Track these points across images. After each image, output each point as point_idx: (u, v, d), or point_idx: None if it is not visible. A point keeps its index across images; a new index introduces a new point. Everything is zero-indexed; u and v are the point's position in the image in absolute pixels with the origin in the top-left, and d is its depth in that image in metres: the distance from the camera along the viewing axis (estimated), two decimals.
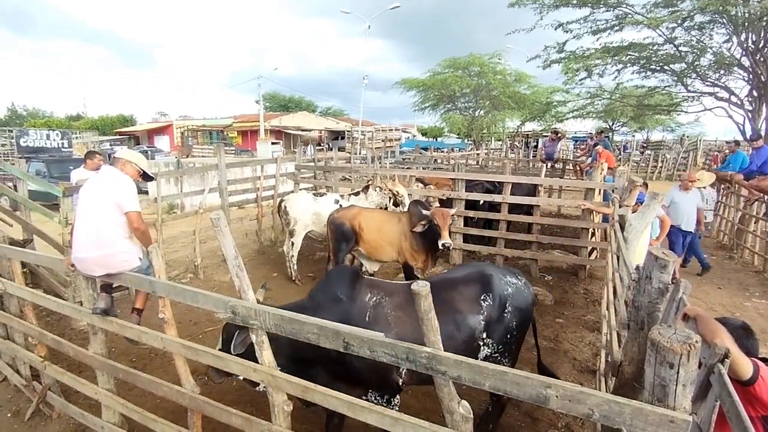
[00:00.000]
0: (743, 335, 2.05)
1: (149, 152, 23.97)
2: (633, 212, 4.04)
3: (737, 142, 10.21)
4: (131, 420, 3.10)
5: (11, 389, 4.06)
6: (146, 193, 13.72)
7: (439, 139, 43.22)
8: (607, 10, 12.47)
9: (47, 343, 3.52)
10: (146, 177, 3.39)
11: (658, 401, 1.37)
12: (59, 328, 5.07)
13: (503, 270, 3.23)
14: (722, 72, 12.02)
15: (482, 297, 2.95)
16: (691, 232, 6.65)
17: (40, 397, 3.64)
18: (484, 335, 2.93)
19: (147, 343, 2.96)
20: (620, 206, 4.62)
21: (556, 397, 1.51)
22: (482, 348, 2.95)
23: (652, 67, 13.16)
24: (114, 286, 3.09)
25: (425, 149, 22.79)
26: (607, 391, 2.74)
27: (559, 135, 14.05)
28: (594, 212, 6.89)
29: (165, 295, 2.74)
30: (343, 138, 37.02)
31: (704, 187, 7.37)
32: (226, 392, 3.90)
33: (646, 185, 5.43)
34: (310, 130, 37.44)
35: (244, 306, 2.29)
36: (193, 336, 4.87)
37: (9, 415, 3.76)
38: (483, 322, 2.91)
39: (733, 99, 12.01)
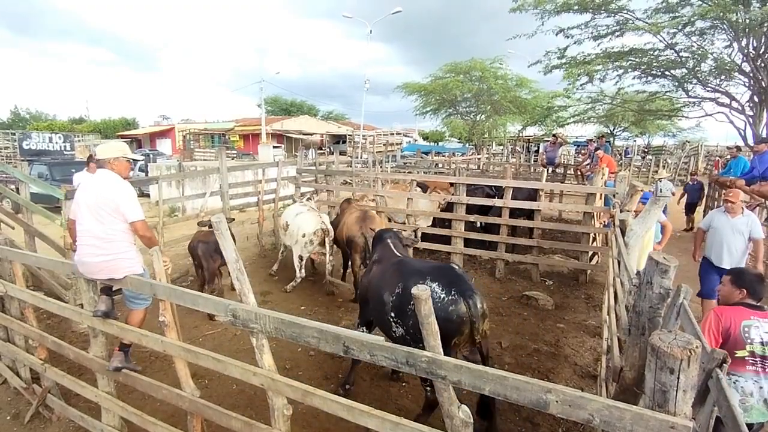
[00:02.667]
0: (757, 282, 2.89)
1: (151, 155, 23.99)
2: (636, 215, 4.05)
3: (738, 148, 10.23)
4: (131, 423, 3.10)
5: (11, 392, 4.06)
6: (148, 196, 13.78)
7: (440, 144, 43.29)
8: (608, 16, 12.50)
9: (48, 346, 3.52)
10: (136, 160, 3.39)
11: (658, 407, 1.36)
12: (60, 330, 5.07)
13: (445, 276, 3.24)
14: (723, 77, 12.02)
15: (398, 284, 3.34)
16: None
17: (39, 400, 3.64)
18: (393, 315, 3.31)
19: (147, 346, 2.96)
20: (621, 211, 4.62)
21: (556, 402, 1.51)
22: (393, 325, 3.33)
23: (653, 72, 13.18)
24: (114, 289, 3.09)
25: (426, 153, 22.85)
26: (608, 397, 2.73)
27: (559, 141, 14.08)
28: (595, 216, 6.90)
29: (166, 298, 2.74)
30: (344, 142, 37.10)
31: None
32: (226, 396, 3.89)
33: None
34: (311, 134, 37.52)
35: (245, 309, 2.29)
36: (194, 339, 4.86)
37: (9, 417, 3.76)
38: (391, 304, 3.33)
39: (734, 104, 12.01)
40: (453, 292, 3.09)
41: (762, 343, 2.67)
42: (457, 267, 3.51)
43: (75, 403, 3.65)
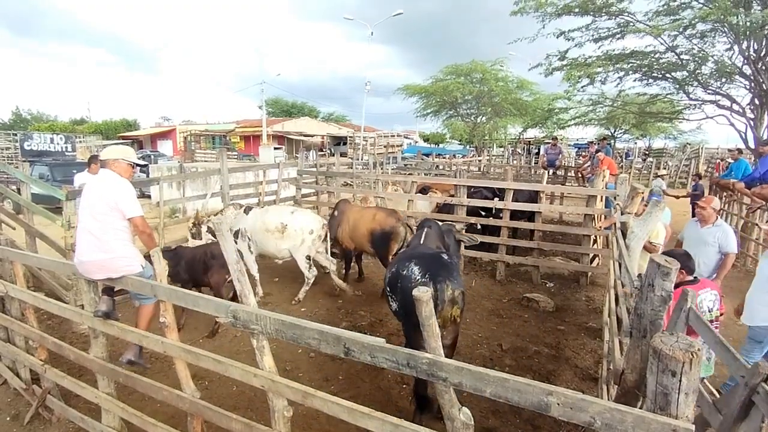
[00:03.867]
0: (686, 258, 3.31)
1: (152, 156, 24.02)
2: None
3: (740, 150, 10.21)
4: (131, 424, 3.09)
5: (11, 392, 4.06)
6: (149, 197, 13.78)
7: (440, 145, 43.33)
8: (608, 19, 12.51)
9: (48, 347, 3.51)
10: (138, 165, 3.41)
11: (660, 409, 1.36)
12: (60, 331, 5.06)
13: (428, 261, 3.54)
14: (724, 80, 12.01)
15: (394, 265, 3.84)
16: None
17: (39, 401, 3.63)
18: (388, 290, 3.78)
19: (147, 347, 2.95)
20: (622, 213, 4.62)
21: (558, 404, 1.50)
22: (390, 300, 3.78)
23: (654, 74, 13.17)
24: (116, 289, 3.09)
25: (427, 155, 22.86)
26: (609, 399, 2.72)
27: (556, 141, 14.12)
28: (596, 219, 6.88)
29: (166, 299, 2.74)
30: (345, 143, 37.13)
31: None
32: (227, 397, 3.89)
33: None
34: (312, 136, 37.59)
35: (245, 311, 2.29)
36: (194, 340, 4.86)
37: (8, 418, 3.75)
38: (387, 281, 3.84)
39: (735, 107, 12.00)
40: (426, 276, 3.35)
41: (710, 311, 3.26)
42: (445, 257, 3.66)
43: (75, 404, 3.64)
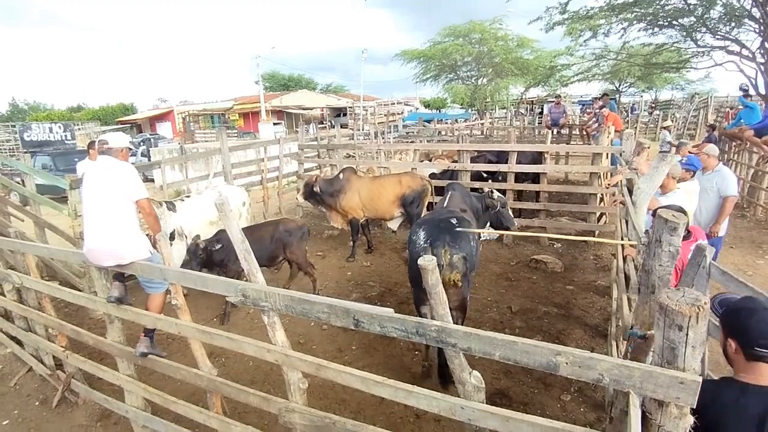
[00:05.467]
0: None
1: (152, 140, 23.90)
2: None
3: (746, 93, 9.68)
4: (154, 403, 3.20)
5: (37, 379, 4.21)
6: (152, 180, 13.81)
7: (442, 111, 42.61)
8: None
9: (67, 333, 3.60)
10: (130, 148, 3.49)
11: (668, 363, 1.37)
12: (78, 318, 5.19)
13: (434, 227, 3.64)
14: (733, 24, 11.58)
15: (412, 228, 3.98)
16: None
17: (65, 385, 3.77)
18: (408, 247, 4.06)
19: (163, 329, 3.02)
20: (629, 169, 4.54)
21: (566, 363, 1.52)
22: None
23: (660, 23, 12.71)
24: (126, 275, 3.13)
25: (428, 122, 22.49)
26: (618, 355, 2.76)
27: (559, 100, 13.81)
28: (602, 176, 6.80)
29: (176, 281, 2.78)
30: (345, 115, 36.58)
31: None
32: (243, 372, 4.00)
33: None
34: (311, 109, 37.06)
35: (254, 288, 2.31)
36: (208, 320, 4.96)
37: (37, 403, 3.90)
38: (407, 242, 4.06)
39: (745, 52, 11.61)
40: (428, 241, 3.50)
41: None
42: (454, 221, 3.71)
43: (99, 386, 3.77)
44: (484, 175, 7.57)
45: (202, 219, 5.64)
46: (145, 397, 3.22)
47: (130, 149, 3.42)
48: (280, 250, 5.29)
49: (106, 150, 3.18)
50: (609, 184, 6.70)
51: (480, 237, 4.70)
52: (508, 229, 5.20)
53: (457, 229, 3.58)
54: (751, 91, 11.41)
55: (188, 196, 6.11)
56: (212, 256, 4.91)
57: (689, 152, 5.62)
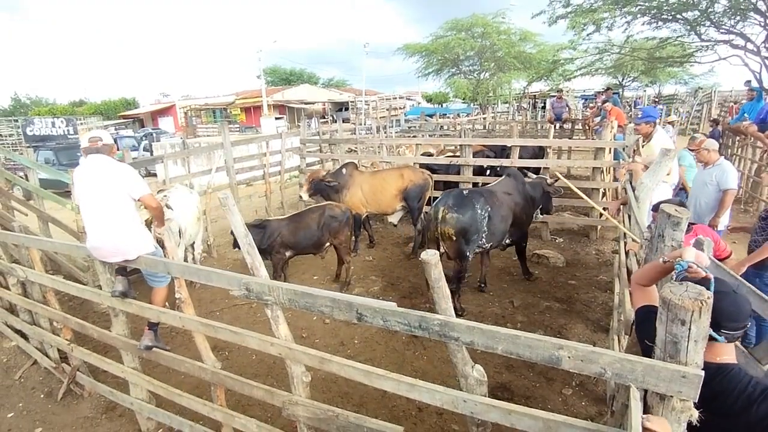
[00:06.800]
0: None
1: (154, 134, 23.87)
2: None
3: (751, 87, 9.65)
4: (158, 396, 3.23)
5: (42, 371, 4.24)
6: (155, 175, 13.83)
7: (444, 105, 42.45)
8: None
9: (72, 327, 3.63)
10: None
11: (670, 357, 1.37)
12: (82, 311, 5.22)
13: (445, 196, 4.72)
14: (737, 18, 11.49)
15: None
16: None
17: (70, 378, 3.80)
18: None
19: (167, 323, 3.04)
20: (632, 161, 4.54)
21: (569, 357, 1.53)
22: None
23: (664, 16, 12.62)
24: (129, 269, 3.15)
25: (430, 116, 22.41)
26: (621, 350, 2.77)
27: (561, 94, 13.75)
28: (604, 171, 6.78)
29: (180, 275, 2.79)
30: (347, 109, 36.47)
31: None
32: (247, 365, 4.02)
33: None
34: (313, 103, 36.97)
35: (258, 282, 2.32)
36: (211, 313, 4.99)
37: (42, 396, 3.94)
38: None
39: (749, 46, 11.52)
40: (435, 204, 4.67)
41: None
42: (465, 191, 4.77)
43: (103, 379, 3.81)
44: (487, 172, 7.57)
45: (194, 217, 5.71)
46: (149, 390, 3.25)
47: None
48: (326, 237, 5.36)
49: (101, 147, 3.09)
50: (621, 175, 6.64)
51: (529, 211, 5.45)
52: (549, 212, 6.03)
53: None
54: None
55: (161, 190, 5.80)
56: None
57: (690, 149, 5.62)
